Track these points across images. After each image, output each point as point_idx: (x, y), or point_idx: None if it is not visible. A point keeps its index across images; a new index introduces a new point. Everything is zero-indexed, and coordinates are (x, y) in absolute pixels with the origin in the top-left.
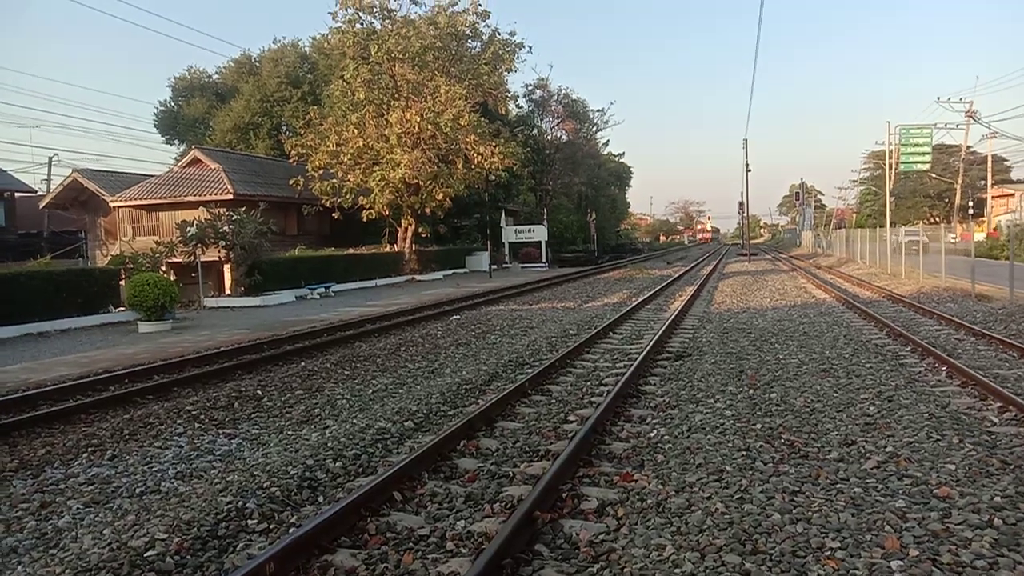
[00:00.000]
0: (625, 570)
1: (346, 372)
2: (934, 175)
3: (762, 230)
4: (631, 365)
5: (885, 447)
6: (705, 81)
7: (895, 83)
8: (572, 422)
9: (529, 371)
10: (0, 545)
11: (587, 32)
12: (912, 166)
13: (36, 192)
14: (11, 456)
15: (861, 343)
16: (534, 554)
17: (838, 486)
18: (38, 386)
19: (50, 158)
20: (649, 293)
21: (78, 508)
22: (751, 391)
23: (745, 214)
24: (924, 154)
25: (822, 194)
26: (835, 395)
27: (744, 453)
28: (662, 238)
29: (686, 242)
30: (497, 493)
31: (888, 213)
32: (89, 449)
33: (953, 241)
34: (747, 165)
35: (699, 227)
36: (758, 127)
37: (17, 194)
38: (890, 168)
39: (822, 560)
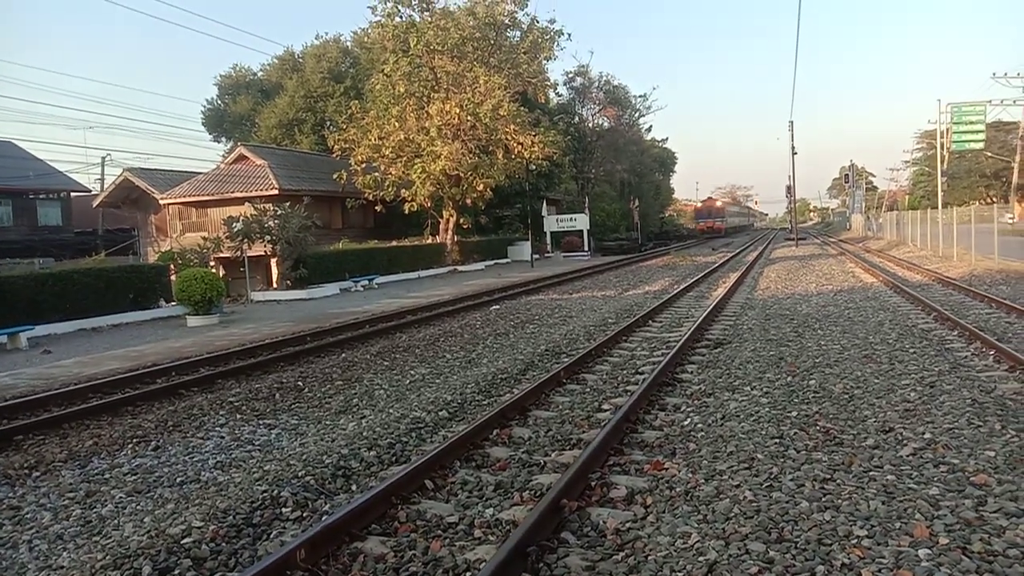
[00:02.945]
0: (649, 557)
1: (385, 363)
2: (990, 154)
3: (811, 213)
4: (668, 353)
5: (923, 434)
6: (751, 63)
7: (947, 60)
8: (606, 411)
9: (565, 360)
10: (48, 532)
11: (627, 16)
12: (965, 145)
13: (90, 191)
14: (61, 447)
15: (907, 328)
16: (559, 541)
17: (871, 474)
18: (89, 379)
19: (103, 158)
20: (692, 280)
21: (121, 497)
22: (789, 378)
23: (792, 198)
24: (978, 132)
25: (873, 176)
26: (876, 381)
27: (777, 441)
28: None
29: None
30: (527, 481)
31: (940, 194)
32: (134, 440)
33: (1010, 221)
34: (793, 148)
35: (703, 205)
36: (807, 109)
37: (73, 194)
38: (942, 148)
39: (847, 548)
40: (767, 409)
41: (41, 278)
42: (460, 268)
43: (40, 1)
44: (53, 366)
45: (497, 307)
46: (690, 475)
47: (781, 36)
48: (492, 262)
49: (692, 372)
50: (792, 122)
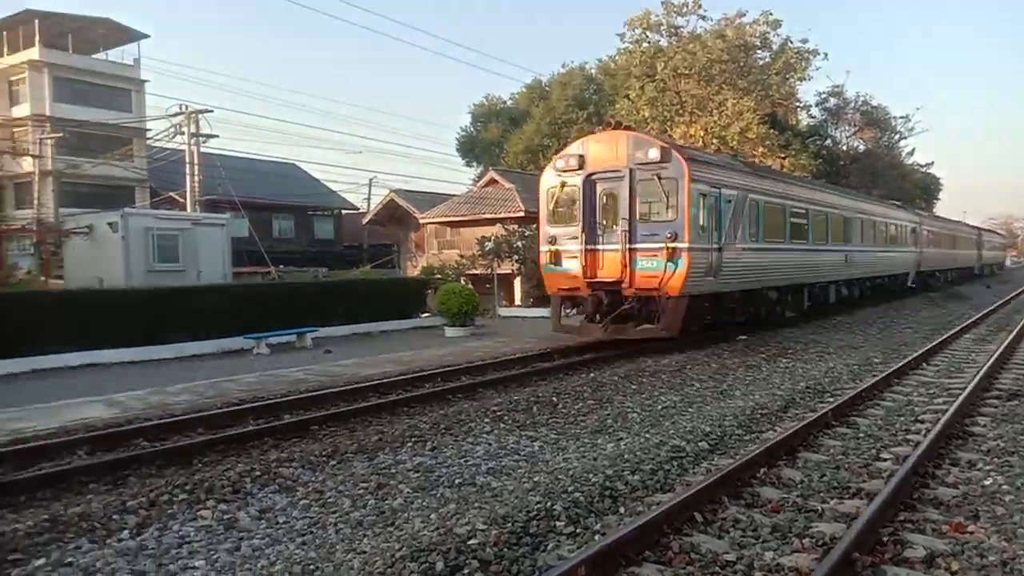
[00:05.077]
0: None
1: (633, 386)
2: None
3: None
4: (952, 401)
5: None
6: None
7: None
8: (886, 460)
9: (830, 400)
10: (349, 518)
11: (891, 29)
12: None
13: (357, 209)
14: (351, 440)
15: None
16: None
17: None
18: (367, 379)
19: (371, 179)
20: (967, 320)
21: (408, 492)
22: None
23: None
24: None
25: None
26: None
27: None
28: None
29: None
30: (806, 528)
31: None
32: (412, 440)
33: None
34: None
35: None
36: None
37: (343, 211)
38: None
39: None
40: None
41: (326, 286)
42: None
43: (313, 27)
44: (335, 365)
45: (744, 337)
46: (1004, 543)
47: None
48: None
49: (985, 425)
50: None
